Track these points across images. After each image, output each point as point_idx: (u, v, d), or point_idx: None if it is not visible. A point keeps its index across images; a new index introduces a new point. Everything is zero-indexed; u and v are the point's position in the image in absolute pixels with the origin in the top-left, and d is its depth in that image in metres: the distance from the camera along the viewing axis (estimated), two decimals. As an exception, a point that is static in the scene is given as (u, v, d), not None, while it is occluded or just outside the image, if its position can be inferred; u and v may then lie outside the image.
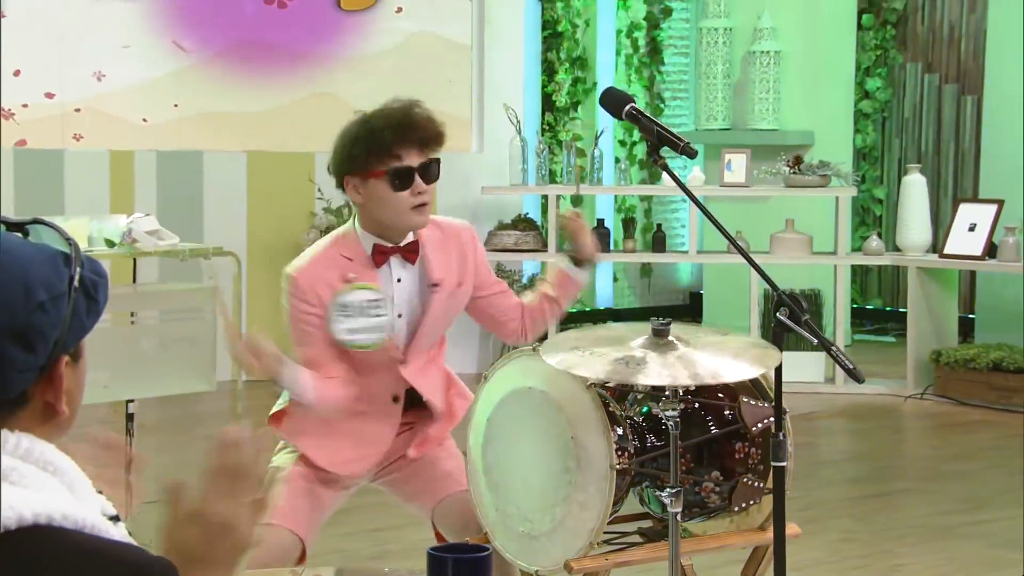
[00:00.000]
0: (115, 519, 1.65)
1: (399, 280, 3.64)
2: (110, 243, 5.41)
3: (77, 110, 8.19)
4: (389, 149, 3.53)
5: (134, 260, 5.83)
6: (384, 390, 3.69)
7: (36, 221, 1.68)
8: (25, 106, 8.11)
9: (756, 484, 3.55)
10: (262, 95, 8.52)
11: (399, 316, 3.65)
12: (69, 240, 1.67)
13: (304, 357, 3.62)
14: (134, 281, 6.04)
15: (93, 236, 5.39)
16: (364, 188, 3.57)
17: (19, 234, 1.66)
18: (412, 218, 3.60)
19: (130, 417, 5.52)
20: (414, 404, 3.73)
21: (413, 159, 3.55)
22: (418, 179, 3.55)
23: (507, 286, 3.86)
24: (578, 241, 3.75)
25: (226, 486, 1.68)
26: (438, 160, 3.61)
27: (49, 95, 8.14)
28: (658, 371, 3.20)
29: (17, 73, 8.08)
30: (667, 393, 3.27)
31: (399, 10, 8.69)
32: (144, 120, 8.32)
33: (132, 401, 5.53)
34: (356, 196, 3.61)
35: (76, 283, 1.63)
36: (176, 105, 8.36)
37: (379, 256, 3.63)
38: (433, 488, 3.76)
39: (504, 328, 3.80)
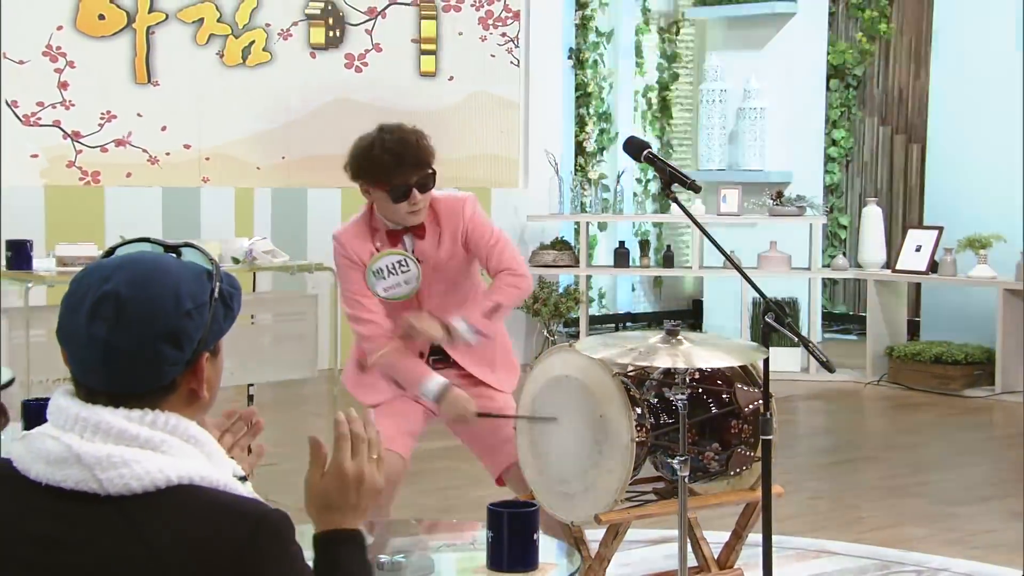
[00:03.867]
0: (243, 479, 1.65)
1: (411, 250, 3.61)
2: (235, 260, 5.43)
3: (207, 159, 8.24)
4: (389, 174, 3.49)
5: (254, 274, 5.85)
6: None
7: (187, 244, 1.69)
8: (168, 154, 8.16)
9: (747, 453, 3.53)
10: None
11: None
12: (212, 260, 1.68)
13: (351, 296, 3.63)
14: (253, 290, 6.06)
15: (222, 255, 5.42)
16: (372, 193, 3.56)
17: (174, 254, 1.67)
18: (408, 220, 3.57)
19: (250, 398, 5.55)
20: (438, 353, 3.66)
21: (410, 178, 3.49)
22: (414, 193, 3.50)
23: (496, 254, 3.63)
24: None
25: (353, 448, 1.71)
26: (432, 173, 3.53)
27: (187, 146, 8.20)
28: (667, 359, 3.18)
29: (164, 129, 8.14)
30: (677, 379, 3.26)
31: (451, 78, 8.68)
32: (258, 168, 8.37)
33: (252, 385, 5.55)
34: (366, 195, 3.59)
35: (216, 295, 1.64)
36: (283, 157, 8.40)
37: (393, 238, 3.61)
38: (496, 455, 3.70)
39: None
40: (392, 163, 3.48)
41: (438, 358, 3.69)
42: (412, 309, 3.61)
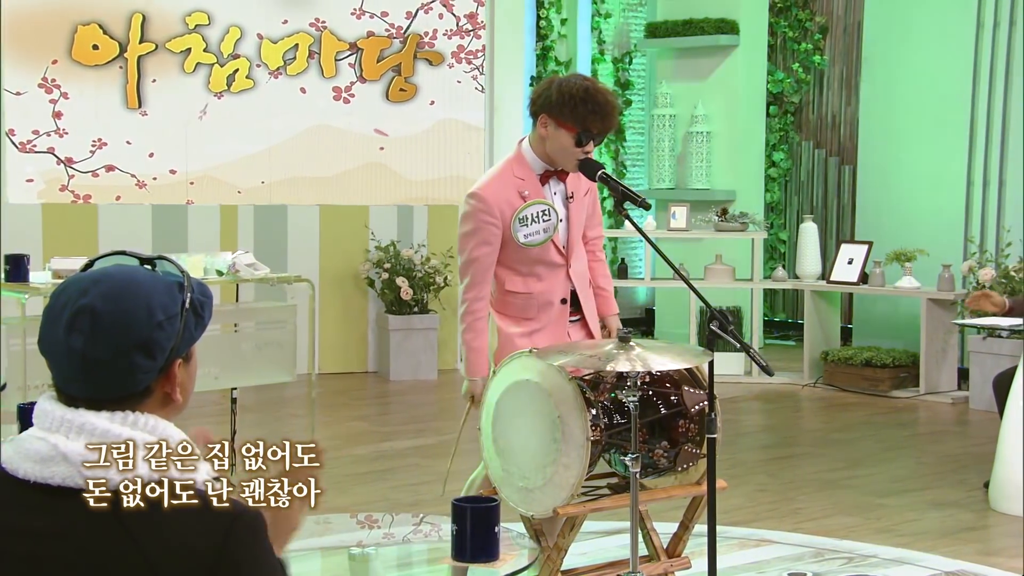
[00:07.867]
0: (217, 479, 1.63)
1: (555, 193, 3.63)
2: (219, 273, 5.38)
3: (191, 183, 8.18)
4: (587, 123, 3.48)
5: (237, 285, 5.80)
6: (556, 294, 3.63)
7: (160, 257, 1.66)
8: (155, 178, 8.11)
9: (694, 450, 3.52)
10: (330, 164, 8.50)
11: (560, 221, 3.62)
12: (182, 271, 1.65)
13: (475, 259, 3.57)
14: (236, 300, 6.01)
15: (207, 268, 5.36)
16: (553, 130, 3.52)
17: (148, 267, 1.64)
18: (573, 164, 3.56)
19: (234, 400, 5.49)
20: (574, 305, 3.69)
21: (606, 127, 3.51)
22: (591, 144, 3.52)
23: (599, 232, 3.87)
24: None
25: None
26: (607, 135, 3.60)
27: (172, 171, 8.14)
28: (622, 363, 3.16)
29: (152, 155, 8.08)
30: (629, 382, 3.24)
31: (432, 103, 8.67)
32: (239, 192, 8.31)
33: (235, 389, 5.50)
34: (542, 130, 3.55)
35: (187, 305, 1.61)
36: (263, 182, 8.35)
37: (545, 176, 3.60)
38: None
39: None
40: (605, 109, 3.48)
41: (572, 311, 3.72)
42: (551, 255, 3.63)
